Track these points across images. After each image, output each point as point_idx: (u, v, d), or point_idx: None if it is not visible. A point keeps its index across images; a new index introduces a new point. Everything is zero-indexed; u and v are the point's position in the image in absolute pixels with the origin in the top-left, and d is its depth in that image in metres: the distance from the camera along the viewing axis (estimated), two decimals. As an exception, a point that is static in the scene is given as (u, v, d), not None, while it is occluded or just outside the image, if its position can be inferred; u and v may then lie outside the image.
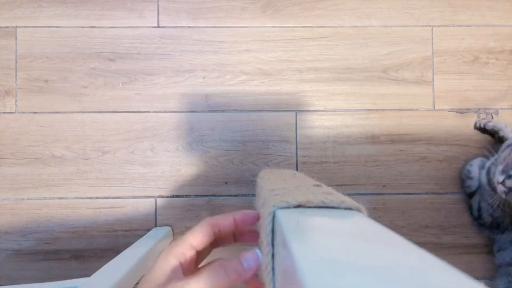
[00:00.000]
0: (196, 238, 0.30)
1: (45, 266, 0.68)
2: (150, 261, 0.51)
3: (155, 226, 0.69)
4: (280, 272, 0.22)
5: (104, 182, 0.69)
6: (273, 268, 0.25)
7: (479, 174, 0.67)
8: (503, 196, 0.57)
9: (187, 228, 0.67)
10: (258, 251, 0.28)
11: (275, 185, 0.35)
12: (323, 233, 0.20)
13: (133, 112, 0.70)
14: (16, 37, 0.70)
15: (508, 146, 0.62)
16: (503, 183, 0.56)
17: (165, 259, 0.29)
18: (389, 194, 0.70)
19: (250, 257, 0.28)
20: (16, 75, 0.69)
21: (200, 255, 0.32)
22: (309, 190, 0.29)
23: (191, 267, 0.30)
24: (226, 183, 0.70)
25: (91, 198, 0.69)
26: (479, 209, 0.67)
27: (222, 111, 0.71)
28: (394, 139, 0.71)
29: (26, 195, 0.68)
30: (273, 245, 0.24)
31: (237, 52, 0.71)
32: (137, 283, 0.44)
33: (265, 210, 0.26)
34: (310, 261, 0.15)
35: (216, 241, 0.33)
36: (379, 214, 0.70)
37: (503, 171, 0.57)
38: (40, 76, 0.70)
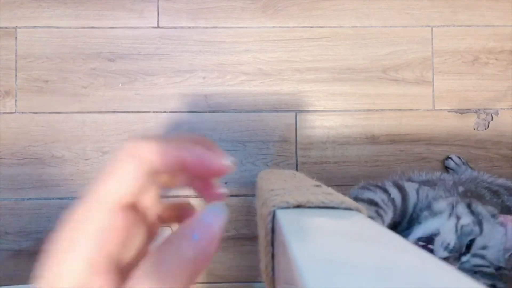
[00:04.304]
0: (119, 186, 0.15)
1: (45, 266, 0.68)
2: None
3: (155, 226, 0.69)
4: (280, 272, 0.22)
5: (104, 182, 0.69)
6: (273, 268, 0.25)
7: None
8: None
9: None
10: (218, 204, 0.16)
11: (275, 185, 0.35)
12: (323, 233, 0.20)
13: (133, 112, 0.70)
14: (16, 37, 0.70)
15: None
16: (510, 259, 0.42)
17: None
18: (389, 194, 0.70)
19: (202, 223, 0.15)
20: (16, 75, 0.69)
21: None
22: (309, 190, 0.29)
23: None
24: (226, 183, 0.70)
25: (91, 198, 0.69)
26: None
27: (222, 111, 0.71)
28: (394, 139, 0.71)
29: (26, 195, 0.68)
30: (273, 245, 0.24)
31: (237, 53, 0.71)
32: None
33: (265, 210, 0.26)
34: (310, 261, 0.15)
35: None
36: (379, 214, 0.70)
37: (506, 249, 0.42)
38: (40, 76, 0.70)
